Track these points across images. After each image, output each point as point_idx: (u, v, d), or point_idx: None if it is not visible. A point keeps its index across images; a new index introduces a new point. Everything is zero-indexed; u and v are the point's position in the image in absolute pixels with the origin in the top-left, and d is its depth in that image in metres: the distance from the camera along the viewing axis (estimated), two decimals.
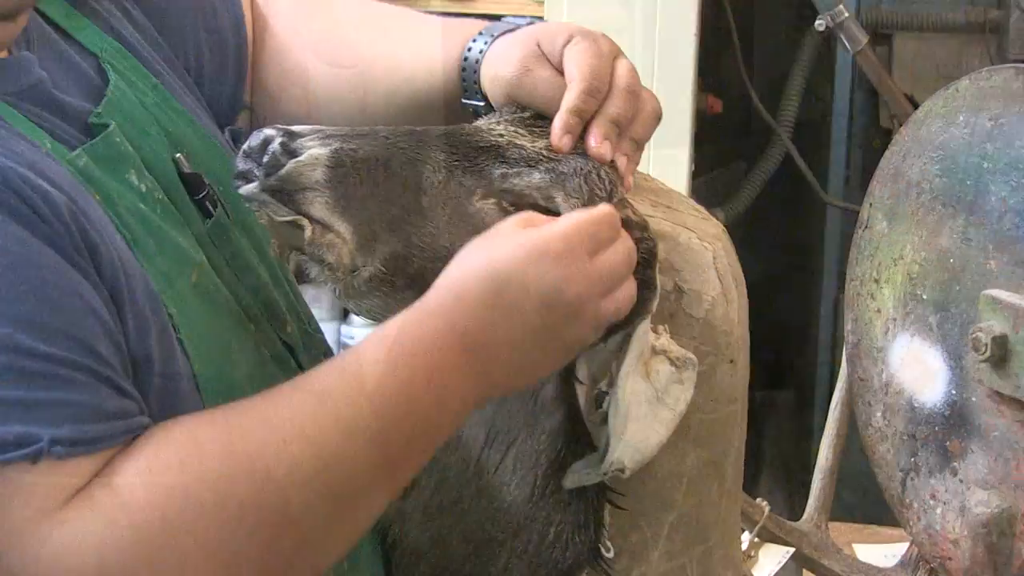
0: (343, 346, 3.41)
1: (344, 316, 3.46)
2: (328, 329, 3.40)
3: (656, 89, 1.46)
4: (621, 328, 1.35)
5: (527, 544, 1.44)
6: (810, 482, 1.86)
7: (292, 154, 1.32)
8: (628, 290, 1.32)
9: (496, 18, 3.29)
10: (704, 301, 1.42)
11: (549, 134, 1.40)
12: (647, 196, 1.47)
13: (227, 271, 1.42)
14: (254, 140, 1.33)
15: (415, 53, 1.60)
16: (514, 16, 3.33)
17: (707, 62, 3.30)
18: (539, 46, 1.46)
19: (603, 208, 1.32)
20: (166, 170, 1.39)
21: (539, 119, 1.43)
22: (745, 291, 1.48)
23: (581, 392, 1.37)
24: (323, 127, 1.36)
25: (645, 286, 1.36)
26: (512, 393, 1.36)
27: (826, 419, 1.86)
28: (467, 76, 1.52)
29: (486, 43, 1.52)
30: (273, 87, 1.64)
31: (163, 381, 1.25)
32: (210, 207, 1.42)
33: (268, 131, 1.33)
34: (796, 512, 1.89)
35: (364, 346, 1.25)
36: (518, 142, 1.39)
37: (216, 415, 1.20)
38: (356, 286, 1.35)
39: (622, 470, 1.33)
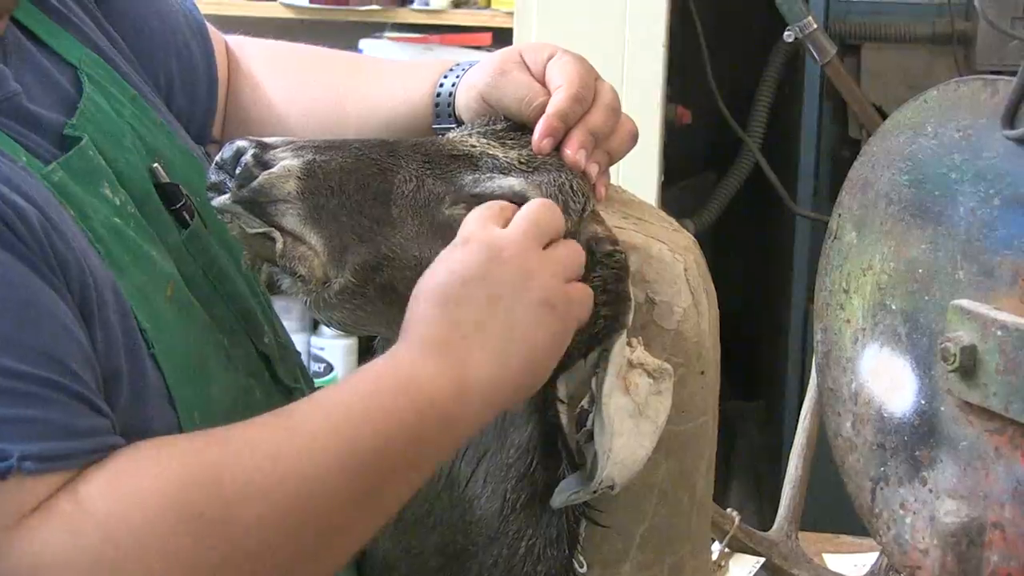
0: (313, 357, 3.41)
1: (314, 327, 3.46)
2: (298, 340, 3.38)
3: (625, 99, 1.46)
4: (598, 344, 1.35)
5: (497, 557, 1.43)
6: (780, 492, 1.87)
7: (265, 166, 1.32)
8: (587, 294, 1.32)
9: (466, 30, 3.30)
10: (675, 313, 1.42)
11: (522, 146, 1.40)
12: (618, 208, 1.47)
13: (203, 281, 1.42)
14: (226, 152, 1.33)
15: (386, 88, 1.62)
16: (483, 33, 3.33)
17: (676, 72, 3.30)
18: (521, 55, 1.47)
19: (539, 201, 1.33)
20: (141, 180, 1.39)
21: (512, 131, 1.43)
22: (716, 303, 1.49)
23: (563, 412, 1.37)
24: (295, 139, 1.36)
25: (619, 300, 1.36)
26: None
27: (796, 429, 1.86)
28: (440, 102, 1.54)
29: (464, 70, 1.54)
30: (254, 126, 1.65)
31: (132, 397, 1.25)
32: (187, 217, 1.42)
33: (240, 143, 1.33)
34: (766, 522, 1.89)
35: (339, 384, 1.25)
36: (491, 152, 1.39)
37: (182, 435, 1.20)
38: (327, 298, 1.35)
39: (612, 487, 1.33)
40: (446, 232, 1.35)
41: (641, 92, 2.99)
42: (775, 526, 1.84)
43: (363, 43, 3.41)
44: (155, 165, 1.42)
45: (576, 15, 3.06)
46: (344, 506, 1.19)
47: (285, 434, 1.18)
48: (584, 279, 1.35)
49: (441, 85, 1.54)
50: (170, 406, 1.30)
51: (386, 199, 1.35)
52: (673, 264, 1.43)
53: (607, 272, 1.36)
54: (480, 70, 1.49)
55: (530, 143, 1.41)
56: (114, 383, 1.23)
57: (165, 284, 1.34)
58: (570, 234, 1.36)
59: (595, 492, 1.33)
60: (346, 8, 3.38)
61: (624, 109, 1.46)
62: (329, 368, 3.48)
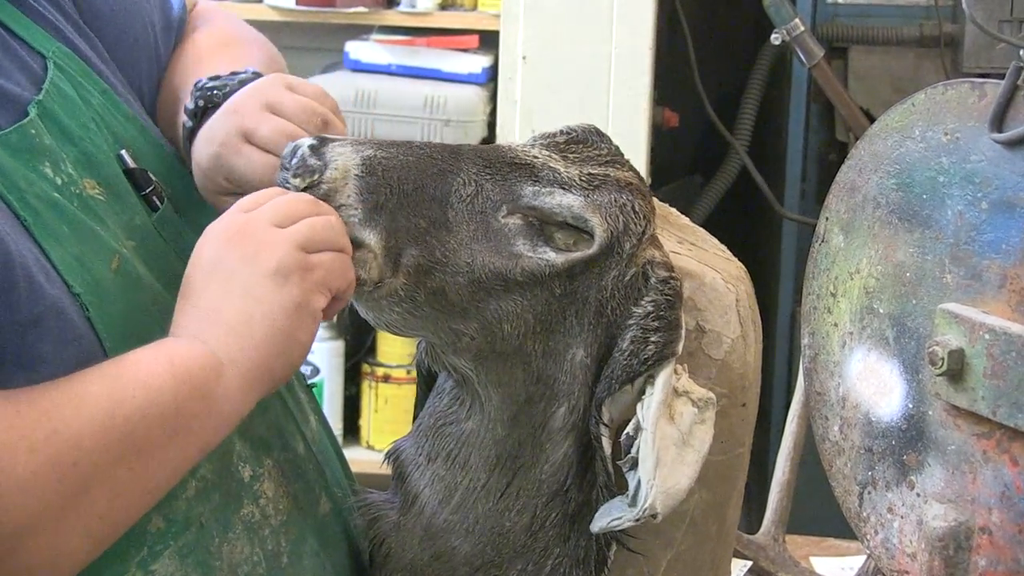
0: None
1: None
2: None
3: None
4: (646, 370, 1.35)
5: (522, 572, 1.43)
6: (767, 496, 1.86)
7: (321, 157, 1.32)
8: (338, 260, 1.30)
9: (453, 32, 3.29)
10: (724, 343, 1.42)
11: (583, 161, 1.40)
12: (674, 232, 1.47)
13: (177, 262, 1.43)
14: (285, 149, 1.34)
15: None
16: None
17: (663, 75, 3.30)
18: (243, 129, 1.45)
19: (290, 195, 1.32)
20: (108, 162, 1.41)
21: (573, 143, 1.43)
22: (761, 335, 1.48)
23: (605, 435, 1.36)
24: (354, 137, 1.37)
25: (671, 327, 1.36)
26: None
27: (783, 433, 1.86)
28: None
29: (234, 83, 1.51)
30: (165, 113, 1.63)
31: (59, 345, 1.27)
32: (157, 202, 1.43)
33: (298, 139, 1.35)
34: (753, 525, 1.89)
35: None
36: (552, 165, 1.38)
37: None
38: (376, 299, 1.35)
39: (655, 515, 1.32)
40: (499, 240, 1.35)
41: (628, 95, 2.98)
42: (762, 529, 1.83)
43: (349, 45, 3.40)
44: (123, 152, 1.43)
45: (563, 18, 3.05)
46: (106, 465, 1.21)
47: (61, 394, 1.22)
48: (636, 304, 1.36)
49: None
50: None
51: (444, 201, 1.35)
52: (725, 294, 1.43)
53: (660, 298, 1.36)
54: (207, 137, 1.47)
55: (591, 158, 1.41)
56: (36, 326, 1.25)
57: (110, 257, 1.35)
58: (628, 256, 1.37)
59: (638, 519, 1.32)
60: (332, 10, 3.37)
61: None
62: (316, 371, 3.48)
